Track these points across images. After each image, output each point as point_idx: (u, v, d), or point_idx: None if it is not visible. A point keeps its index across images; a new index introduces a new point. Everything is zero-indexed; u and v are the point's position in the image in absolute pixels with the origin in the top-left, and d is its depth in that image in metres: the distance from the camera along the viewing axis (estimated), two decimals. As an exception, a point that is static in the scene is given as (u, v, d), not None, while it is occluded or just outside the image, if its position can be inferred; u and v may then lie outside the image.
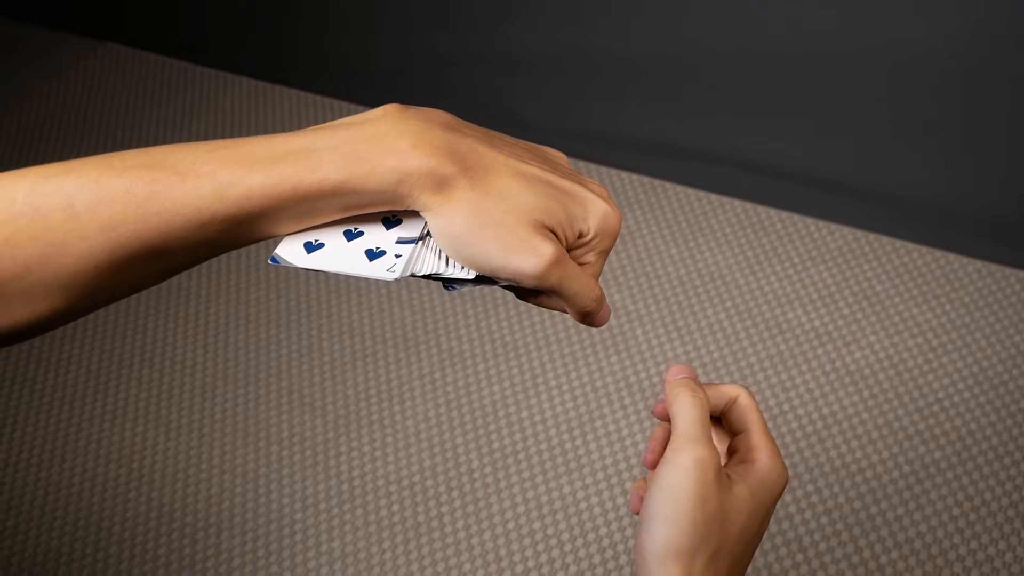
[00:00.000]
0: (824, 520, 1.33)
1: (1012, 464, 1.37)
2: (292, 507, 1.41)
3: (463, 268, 0.45)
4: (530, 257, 0.43)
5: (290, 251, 0.45)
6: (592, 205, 0.45)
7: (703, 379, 1.50)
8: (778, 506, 1.35)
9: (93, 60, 2.17)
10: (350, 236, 0.46)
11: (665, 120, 1.77)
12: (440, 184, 0.42)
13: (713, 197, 1.75)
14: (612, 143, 1.83)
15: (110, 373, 1.60)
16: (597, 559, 1.32)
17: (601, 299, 0.47)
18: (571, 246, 0.46)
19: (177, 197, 0.40)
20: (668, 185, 1.78)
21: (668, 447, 0.49)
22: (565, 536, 1.34)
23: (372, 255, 0.46)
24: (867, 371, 1.49)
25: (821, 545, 1.31)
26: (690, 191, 1.77)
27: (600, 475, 1.40)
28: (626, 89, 1.78)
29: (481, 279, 0.46)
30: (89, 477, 1.47)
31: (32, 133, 2.03)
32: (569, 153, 1.85)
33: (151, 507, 1.43)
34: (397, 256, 0.45)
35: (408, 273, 0.45)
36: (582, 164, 1.83)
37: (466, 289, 0.46)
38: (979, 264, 1.60)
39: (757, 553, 1.31)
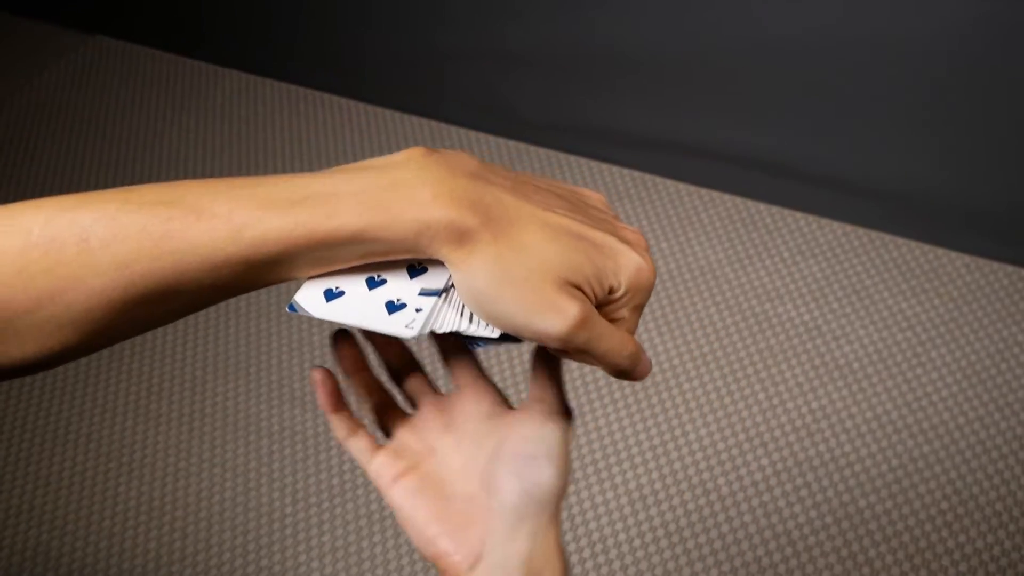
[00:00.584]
0: (813, 514, 1.34)
1: (999, 458, 1.38)
2: (283, 501, 1.41)
3: (487, 325, 0.43)
4: (554, 318, 0.41)
5: (309, 298, 0.44)
6: (623, 258, 0.43)
7: (692, 374, 1.51)
8: (767, 499, 1.36)
9: (83, 53, 2.16)
10: (372, 284, 0.44)
11: (656, 116, 1.77)
12: (462, 237, 0.40)
13: (703, 192, 1.76)
14: (604, 138, 1.83)
15: (99, 367, 1.59)
16: (587, 552, 1.33)
17: (635, 356, 0.44)
18: (601, 302, 0.44)
19: (192, 237, 0.39)
20: (659, 180, 1.78)
21: (544, 403, 0.49)
22: (555, 530, 1.35)
23: (392, 307, 0.44)
24: (856, 365, 1.49)
25: (810, 539, 1.32)
26: (680, 186, 1.77)
27: (590, 469, 1.41)
28: (619, 85, 1.78)
29: (506, 337, 0.44)
30: (79, 471, 1.47)
31: (22, 126, 2.02)
32: (562, 148, 1.85)
33: (141, 501, 1.43)
34: (418, 310, 0.43)
35: (427, 331, 0.43)
36: (574, 159, 1.83)
37: (491, 347, 0.44)
38: (967, 259, 1.61)
39: (746, 546, 1.32)
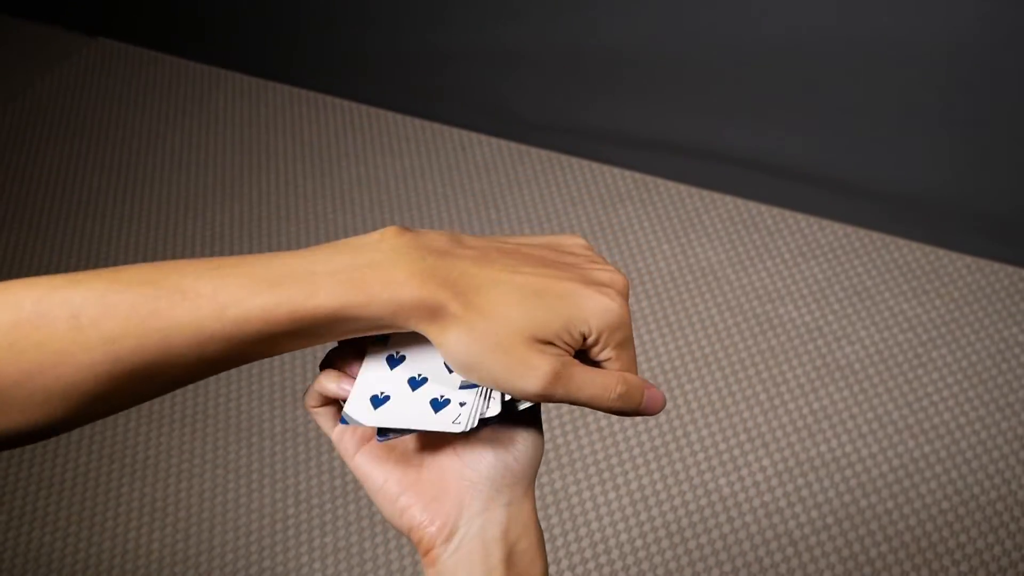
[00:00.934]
0: (815, 514, 1.34)
1: (1000, 458, 1.38)
2: (285, 502, 1.41)
3: (518, 401, 0.46)
4: (528, 377, 0.42)
5: (358, 408, 0.46)
6: (588, 303, 0.44)
7: (694, 375, 1.51)
8: (768, 500, 1.36)
9: (85, 56, 2.17)
10: (414, 384, 0.47)
11: (657, 116, 1.78)
12: (434, 314, 0.42)
13: (704, 193, 1.76)
14: (604, 139, 1.83)
15: (103, 369, 1.60)
16: (589, 553, 1.33)
17: (627, 395, 0.45)
18: (581, 349, 0.45)
19: (178, 315, 0.41)
20: (660, 181, 1.79)
21: None
22: (557, 531, 1.35)
23: (437, 405, 0.46)
24: (857, 366, 1.49)
25: (811, 539, 1.32)
26: (681, 187, 1.77)
27: (592, 469, 1.41)
28: (619, 85, 1.79)
29: (509, 409, 0.46)
30: (81, 472, 1.47)
31: (24, 128, 2.03)
32: (563, 150, 1.86)
33: (144, 502, 1.43)
34: (461, 404, 0.45)
35: (475, 424, 0.45)
36: (575, 161, 1.84)
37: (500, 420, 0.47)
38: (968, 259, 1.61)
39: (747, 546, 1.32)
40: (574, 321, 0.44)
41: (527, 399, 0.44)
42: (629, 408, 0.46)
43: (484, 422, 0.46)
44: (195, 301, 0.41)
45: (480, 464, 0.48)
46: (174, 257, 1.77)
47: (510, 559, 0.47)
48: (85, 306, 0.41)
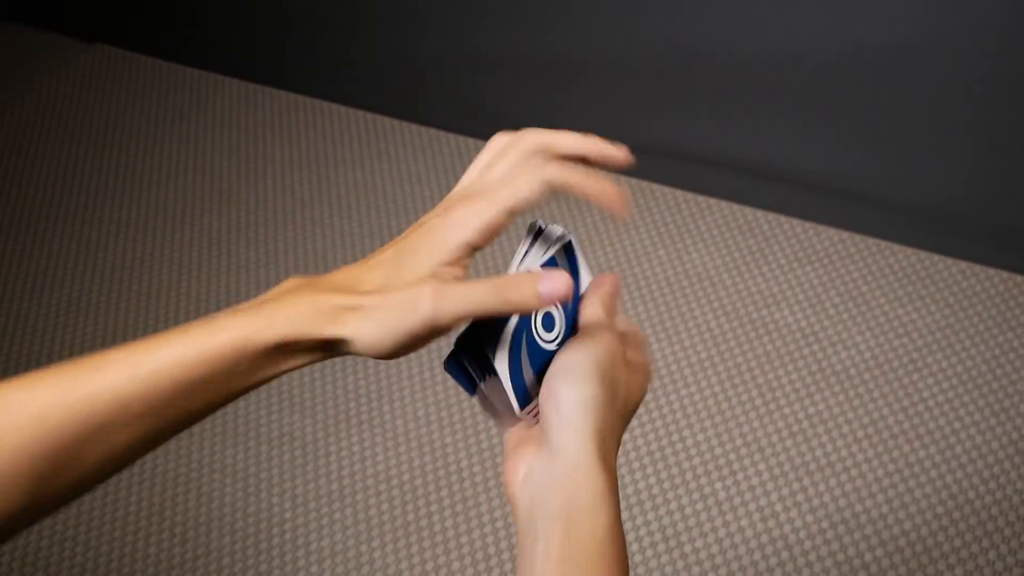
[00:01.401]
0: (809, 518, 1.35)
1: (995, 463, 1.38)
2: (282, 506, 1.41)
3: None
4: (416, 308, 0.45)
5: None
6: (444, 229, 0.47)
7: (690, 380, 1.51)
8: (764, 504, 1.36)
9: (83, 61, 2.17)
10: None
11: (652, 121, 1.78)
12: (331, 313, 0.46)
13: (700, 198, 1.76)
14: (601, 145, 1.83)
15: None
16: (585, 557, 1.33)
17: (517, 284, 0.46)
18: (472, 252, 0.48)
19: (96, 381, 0.44)
20: (655, 186, 1.79)
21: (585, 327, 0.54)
22: (553, 534, 1.35)
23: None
24: (852, 371, 1.50)
25: (806, 543, 1.32)
26: (677, 192, 1.78)
27: (588, 474, 1.41)
28: (613, 90, 1.79)
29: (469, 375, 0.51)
30: (79, 477, 1.47)
31: (22, 133, 2.03)
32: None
33: (141, 507, 1.43)
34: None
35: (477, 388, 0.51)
36: (571, 166, 1.84)
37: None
38: (963, 265, 1.62)
39: (743, 550, 1.32)
40: (440, 246, 0.47)
41: (434, 332, 0.46)
42: (525, 299, 0.46)
43: (457, 364, 0.51)
44: (112, 367, 0.45)
45: (541, 410, 0.51)
46: (170, 261, 1.77)
47: (568, 507, 0.48)
48: (13, 393, 0.44)
